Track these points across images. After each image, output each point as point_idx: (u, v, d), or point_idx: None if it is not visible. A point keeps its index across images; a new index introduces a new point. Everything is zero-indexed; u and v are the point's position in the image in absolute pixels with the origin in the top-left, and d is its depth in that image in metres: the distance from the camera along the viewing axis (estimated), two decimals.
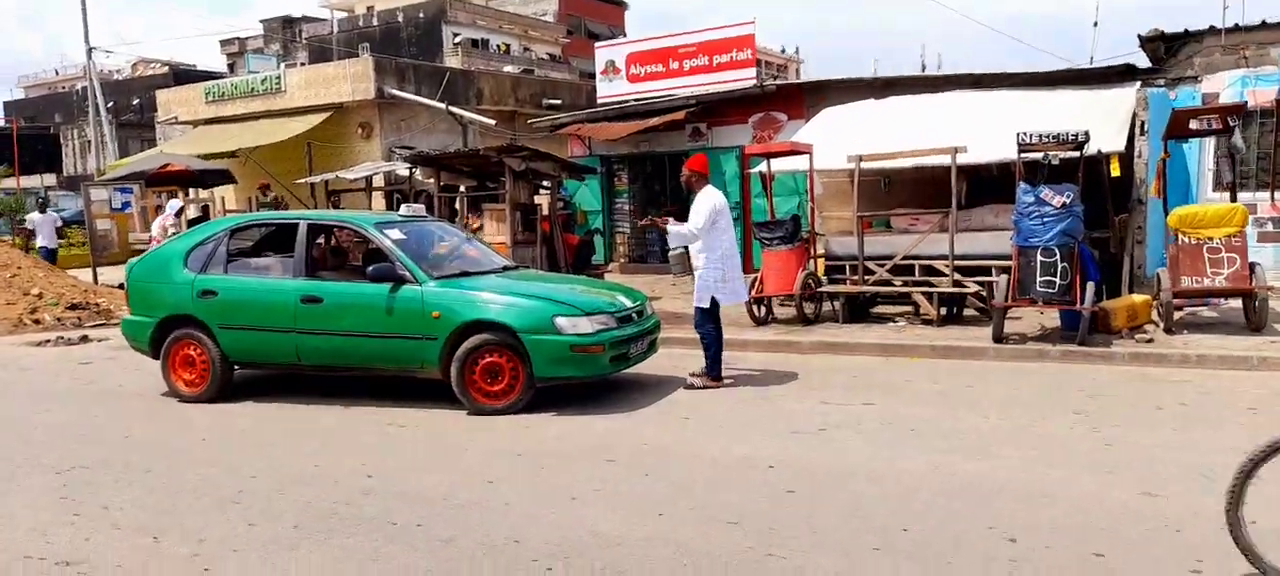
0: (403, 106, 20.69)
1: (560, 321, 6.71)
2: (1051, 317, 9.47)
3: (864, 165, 10.93)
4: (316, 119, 20.01)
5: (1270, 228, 11.47)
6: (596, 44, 19.06)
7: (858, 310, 10.80)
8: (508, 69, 25.67)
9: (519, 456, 5.58)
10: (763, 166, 12.09)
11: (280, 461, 5.65)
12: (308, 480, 5.22)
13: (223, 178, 17.54)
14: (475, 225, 12.80)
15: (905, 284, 10.69)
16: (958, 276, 10.37)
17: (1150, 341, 8.45)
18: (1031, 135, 8.52)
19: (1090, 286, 8.40)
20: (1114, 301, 9.12)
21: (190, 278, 7.56)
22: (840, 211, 14.76)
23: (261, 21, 60.70)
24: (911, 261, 10.91)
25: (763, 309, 10.84)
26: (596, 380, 7.04)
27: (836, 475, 4.97)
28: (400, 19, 54.77)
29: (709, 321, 7.39)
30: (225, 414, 7.07)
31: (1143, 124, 10.54)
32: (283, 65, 22.50)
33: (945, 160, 10.06)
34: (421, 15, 54.53)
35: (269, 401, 7.43)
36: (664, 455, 5.48)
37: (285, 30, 58.90)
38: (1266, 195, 10.93)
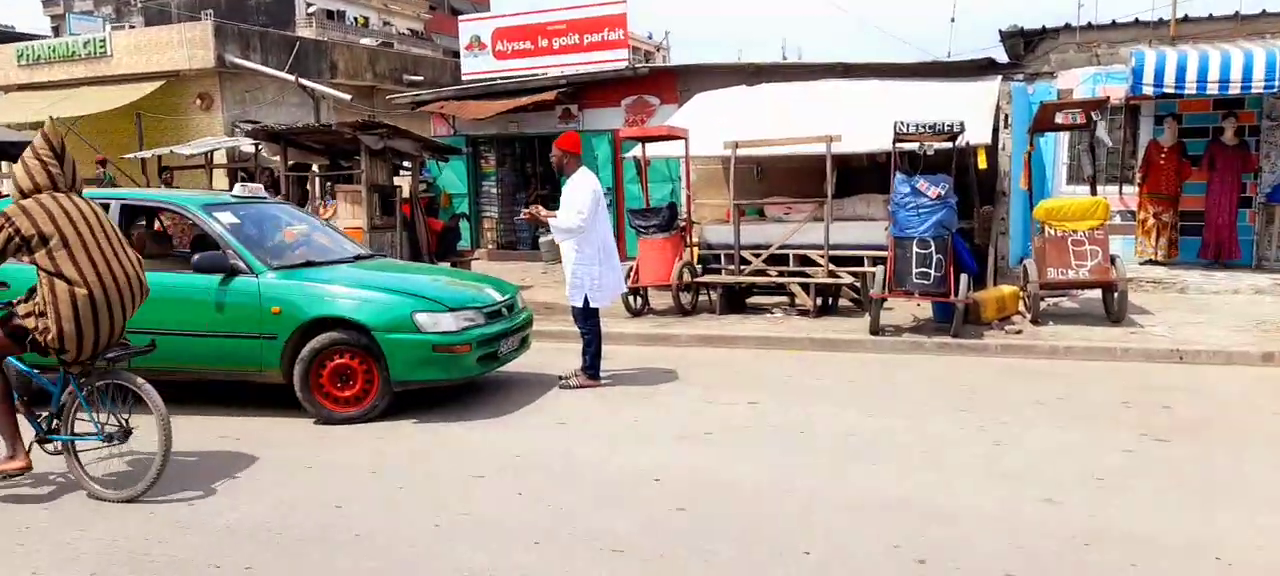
0: (248, 77, 19.13)
1: (420, 318, 6.04)
2: (924, 309, 9.50)
3: (740, 152, 10.69)
4: (148, 87, 18.21)
5: (1118, 221, 11.99)
6: (460, 18, 18.11)
7: (734, 300, 10.56)
8: (365, 41, 24.24)
9: (372, 475, 4.91)
10: (637, 151, 11.69)
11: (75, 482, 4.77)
12: (111, 512, 4.39)
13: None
14: (329, 212, 11.81)
15: (781, 274, 10.53)
16: (832, 267, 10.29)
17: (1019, 332, 8.54)
18: (908, 125, 8.43)
19: (964, 278, 8.41)
20: (984, 293, 9.20)
21: None
22: (714, 199, 14.56)
23: None
24: (786, 251, 10.76)
25: (639, 299, 10.44)
26: (462, 383, 6.40)
27: (728, 488, 4.57)
28: None
29: (588, 318, 6.87)
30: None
31: (1006, 117, 10.74)
32: (109, 27, 20.29)
33: (820, 149, 9.92)
34: None
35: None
36: (538, 469, 4.95)
37: None
38: (1115, 189, 11.41)
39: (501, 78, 15.74)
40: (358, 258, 7.25)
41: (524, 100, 14.61)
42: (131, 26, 23.13)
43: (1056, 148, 12.40)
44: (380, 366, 5.98)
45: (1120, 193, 11.49)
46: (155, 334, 6.12)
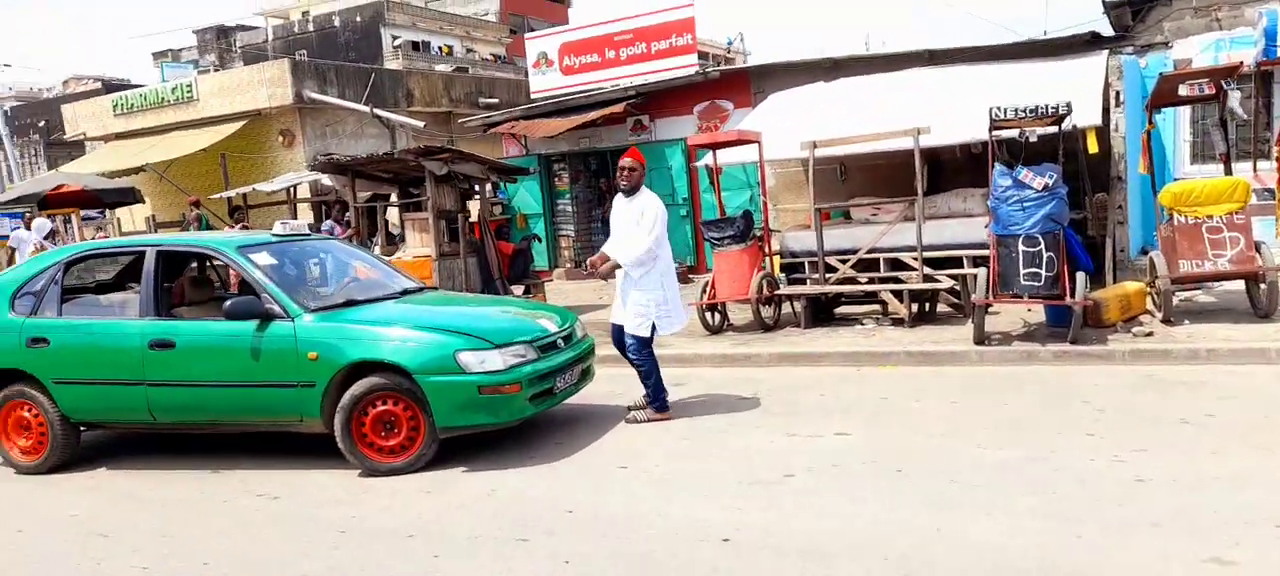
0: (328, 112, 19.27)
1: (464, 358, 5.47)
2: (1036, 312, 8.52)
3: (819, 152, 9.92)
4: (231, 127, 18.51)
5: (1256, 201, 10.68)
6: (527, 36, 17.81)
7: (821, 312, 9.76)
8: (440, 68, 24.28)
9: (410, 538, 4.39)
10: (709, 159, 11.03)
11: (103, 558, 4.41)
12: None
13: (129, 197, 16.00)
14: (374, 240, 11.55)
15: (871, 281, 9.69)
16: (928, 270, 9.40)
17: (1150, 335, 7.51)
18: (1005, 110, 7.53)
19: (1080, 276, 7.44)
20: (1105, 291, 8.19)
21: (17, 322, 6.23)
22: (795, 204, 13.78)
23: (194, 32, 58.37)
24: (876, 255, 9.91)
25: (716, 316, 9.77)
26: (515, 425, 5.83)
27: (813, 550, 3.87)
28: (337, 23, 52.94)
29: (646, 348, 6.23)
30: (60, 491, 5.77)
31: (1118, 94, 9.65)
32: (196, 72, 20.84)
33: (907, 143, 9.06)
34: (358, 18, 52.73)
35: (128, 468, 6.15)
36: (590, 528, 4.34)
37: (219, 40, 56.65)
38: (1248, 166, 10.14)
39: (570, 93, 15.31)
40: (405, 292, 6.78)
41: (593, 115, 14.14)
42: (217, 69, 23.77)
43: (1177, 125, 11.16)
44: (425, 412, 5.48)
45: (1255, 169, 10.18)
46: (192, 386, 5.92)
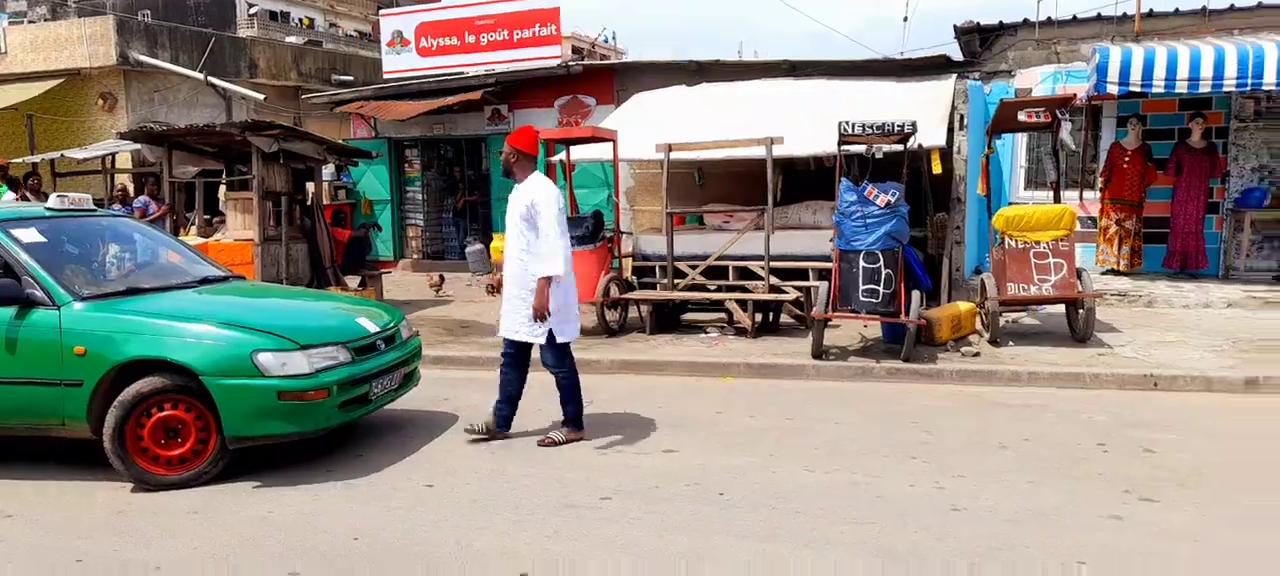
0: (158, 77, 17.71)
1: (263, 359, 4.90)
2: (873, 328, 8.60)
3: (674, 155, 9.73)
4: (44, 87, 16.71)
5: (1080, 229, 11.24)
6: (382, 12, 16.92)
7: (668, 319, 9.57)
8: (290, 39, 22.85)
9: (157, 571, 3.80)
10: (563, 154, 10.67)
11: None
12: None
13: None
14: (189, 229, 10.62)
15: (719, 288, 9.59)
16: (774, 280, 9.37)
17: (977, 355, 7.67)
18: (854, 126, 7.52)
19: (917, 295, 7.52)
20: (939, 310, 8.33)
21: None
22: (652, 206, 13.60)
23: None
24: (726, 264, 9.84)
25: None
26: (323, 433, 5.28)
27: None
28: None
29: (569, 358, 5.64)
30: None
31: (962, 117, 9.91)
32: (5, 21, 18.74)
33: (760, 152, 8.99)
34: None
35: None
36: (372, 559, 3.88)
37: None
38: (1075, 194, 10.65)
39: (426, 76, 14.60)
40: (205, 281, 6.09)
41: (449, 100, 13.50)
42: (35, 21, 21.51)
43: (1015, 151, 11.63)
44: (216, 419, 4.88)
45: (1081, 198, 10.73)
46: None
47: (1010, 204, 10.70)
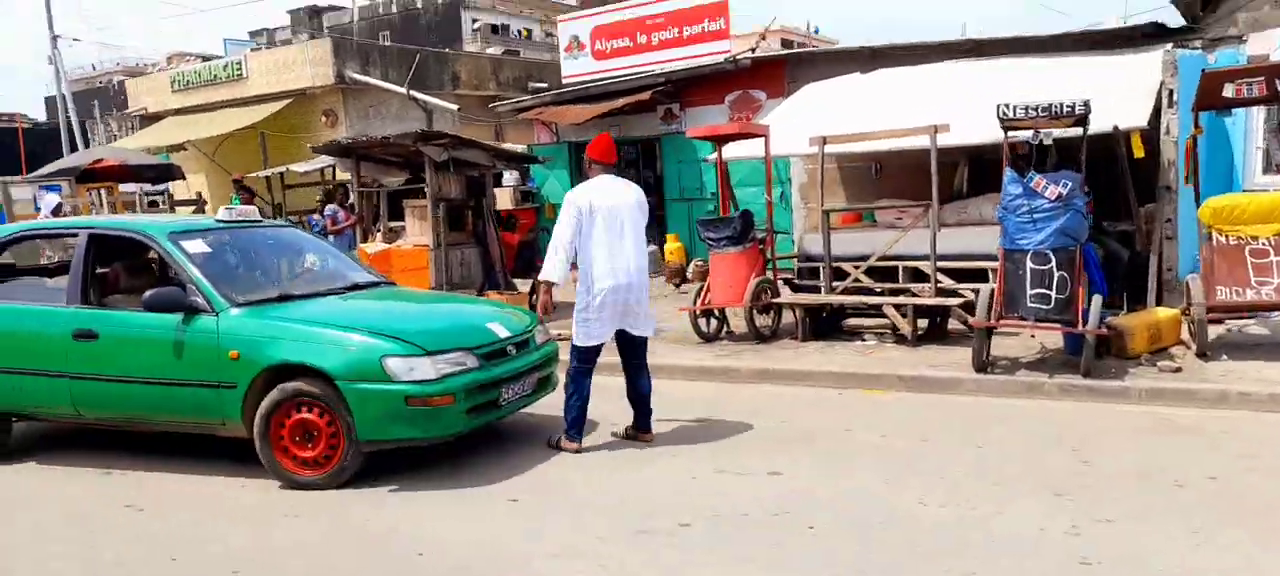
0: (373, 92, 19.21)
1: (391, 364, 4.97)
2: (1056, 336, 7.64)
3: (831, 149, 9.20)
4: (273, 107, 18.60)
5: None
6: (560, 18, 17.32)
7: (826, 324, 9.02)
8: (491, 50, 23.99)
9: (235, 573, 3.95)
10: (731, 151, 10.34)
11: None
12: None
13: (168, 173, 16.19)
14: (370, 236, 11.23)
15: (888, 292, 8.92)
16: (945, 281, 8.59)
17: (1177, 370, 6.60)
18: (1015, 108, 6.68)
19: (1096, 301, 6.57)
20: (1131, 318, 7.27)
21: None
22: (828, 202, 12.98)
23: (288, 11, 59.97)
24: (894, 264, 9.14)
25: (712, 322, 9.13)
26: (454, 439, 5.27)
27: None
28: (419, 5, 53.76)
29: (578, 360, 5.58)
30: None
31: (1171, 94, 8.60)
32: (247, 50, 21.05)
33: (925, 142, 8.25)
34: (440, 1, 53.46)
35: (58, 464, 5.80)
36: None
37: (311, 20, 58.03)
38: None
39: (601, 79, 14.78)
40: (355, 287, 6.36)
41: (619, 102, 13.59)
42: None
43: (1249, 129, 9.95)
44: (347, 422, 4.99)
45: None
46: (113, 381, 5.57)
47: (1243, 192, 9.17)
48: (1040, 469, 4.85)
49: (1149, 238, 8.95)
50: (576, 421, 5.56)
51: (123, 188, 15.56)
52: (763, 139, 9.25)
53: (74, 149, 21.48)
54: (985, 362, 6.92)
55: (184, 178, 17.26)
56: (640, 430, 5.73)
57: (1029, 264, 6.67)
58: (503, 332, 5.65)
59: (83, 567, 4.11)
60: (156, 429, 5.72)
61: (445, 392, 5.03)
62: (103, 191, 14.39)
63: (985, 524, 4.09)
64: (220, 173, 19.85)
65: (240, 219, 6.60)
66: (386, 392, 4.95)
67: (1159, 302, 8.42)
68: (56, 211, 11.56)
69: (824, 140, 8.73)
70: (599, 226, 5.48)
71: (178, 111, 21.17)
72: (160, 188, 16.64)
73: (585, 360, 5.55)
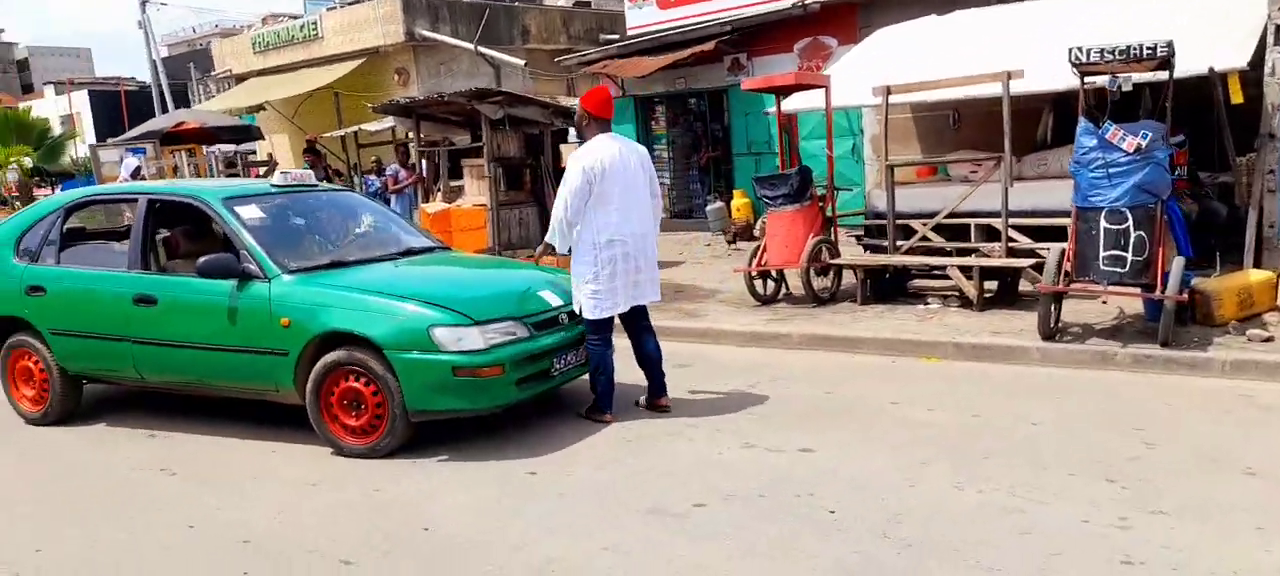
0: (443, 49, 19.29)
1: (439, 334, 4.83)
2: (1136, 302, 7.09)
3: (898, 98, 8.72)
4: (347, 67, 18.86)
5: None
6: None
7: (889, 286, 8.61)
8: (560, 3, 23.64)
9: (246, 544, 3.96)
10: (792, 103, 9.93)
11: None
12: None
13: (245, 134, 16.64)
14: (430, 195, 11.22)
15: (956, 251, 8.46)
16: (1020, 240, 8.10)
17: (1269, 339, 6.03)
18: (1089, 51, 6.12)
19: (1177, 264, 6.03)
20: (1218, 281, 6.67)
21: (19, 269, 6.17)
22: (901, 155, 12.39)
23: None
24: (967, 220, 8.67)
25: (769, 284, 8.83)
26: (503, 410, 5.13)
27: None
28: None
29: (595, 332, 5.39)
30: (40, 447, 5.70)
31: (1278, 28, 7.77)
32: (323, 9, 21.33)
33: (997, 89, 7.72)
34: None
35: (128, 426, 5.94)
36: (428, 554, 3.75)
37: None
38: None
39: (666, 29, 14.41)
40: (409, 252, 6.24)
41: (684, 53, 13.23)
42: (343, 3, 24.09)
43: None
44: (392, 391, 4.90)
45: None
46: (171, 346, 5.62)
47: None
48: (1096, 450, 4.47)
49: (1249, 191, 8.20)
50: (604, 393, 5.40)
51: (205, 149, 16.05)
52: (823, 90, 8.82)
53: (165, 111, 22.30)
54: (1053, 330, 6.47)
55: (263, 138, 17.71)
56: (655, 397, 5.55)
57: (1103, 222, 6.16)
58: (555, 301, 5.49)
59: (96, 530, 4.18)
60: (217, 394, 5.76)
61: (494, 363, 4.90)
62: (184, 153, 14.85)
63: (1022, 512, 3.77)
64: (299, 133, 20.34)
65: (294, 183, 6.58)
66: (433, 363, 4.84)
67: (1257, 263, 7.71)
68: (135, 174, 11.95)
69: (887, 90, 8.26)
70: (608, 190, 5.22)
71: (260, 73, 21.68)
72: (241, 148, 17.14)
73: (599, 331, 5.35)
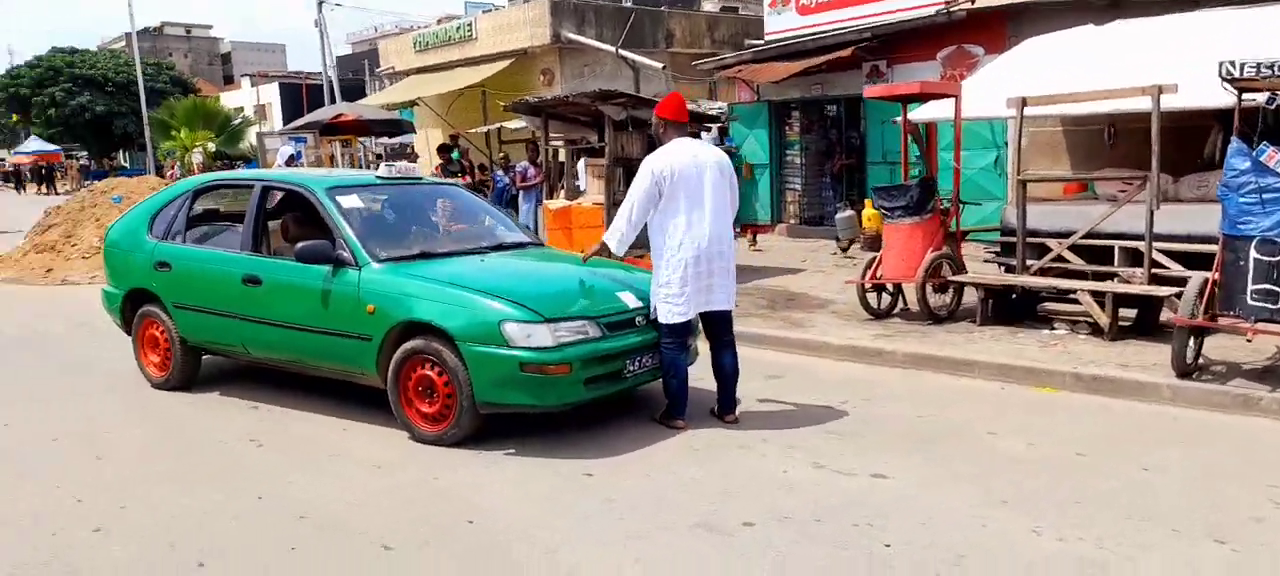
0: (588, 52, 19.64)
1: (509, 329, 4.89)
2: None
3: (1043, 110, 8.16)
4: (496, 67, 19.51)
5: None
6: None
7: (1015, 307, 8.03)
8: (707, 7, 23.54)
9: (301, 519, 4.08)
10: (921, 113, 9.48)
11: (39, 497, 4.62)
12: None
13: (395, 128, 17.51)
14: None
15: (1094, 275, 7.81)
16: (1168, 265, 7.40)
17: None
18: (1242, 65, 5.47)
19: None
20: None
21: (151, 245, 6.75)
22: (1048, 170, 11.57)
23: None
24: (1111, 242, 8.00)
25: (883, 297, 8.43)
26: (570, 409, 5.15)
27: None
28: None
29: (670, 336, 5.26)
30: (156, 409, 6.16)
31: None
32: (479, 11, 22.17)
33: (1145, 104, 7.07)
34: None
35: (237, 397, 6.32)
36: (462, 552, 3.73)
37: None
38: None
39: (804, 35, 14.07)
40: (500, 246, 6.37)
41: (818, 60, 12.86)
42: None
43: None
44: (462, 382, 5.00)
45: None
46: (272, 325, 5.97)
47: None
48: (1211, 505, 3.97)
49: None
50: (677, 398, 5.28)
51: (360, 140, 17.02)
52: (954, 100, 8.33)
53: (334, 104, 23.85)
54: (1190, 367, 5.83)
55: (413, 131, 18.58)
56: (723, 411, 5.38)
57: (1253, 253, 5.50)
58: (633, 303, 5.42)
59: (180, 495, 4.43)
60: (312, 372, 6.04)
61: (562, 361, 4.91)
62: (339, 144, 15.82)
63: (1101, 567, 3.38)
64: (449, 128, 21.24)
65: (398, 176, 6.84)
66: (502, 357, 4.88)
67: None
68: (289, 161, 12.78)
69: (1023, 101, 7.71)
70: (678, 194, 5.10)
71: (419, 71, 22.79)
72: (393, 141, 18.09)
73: (674, 335, 5.23)
